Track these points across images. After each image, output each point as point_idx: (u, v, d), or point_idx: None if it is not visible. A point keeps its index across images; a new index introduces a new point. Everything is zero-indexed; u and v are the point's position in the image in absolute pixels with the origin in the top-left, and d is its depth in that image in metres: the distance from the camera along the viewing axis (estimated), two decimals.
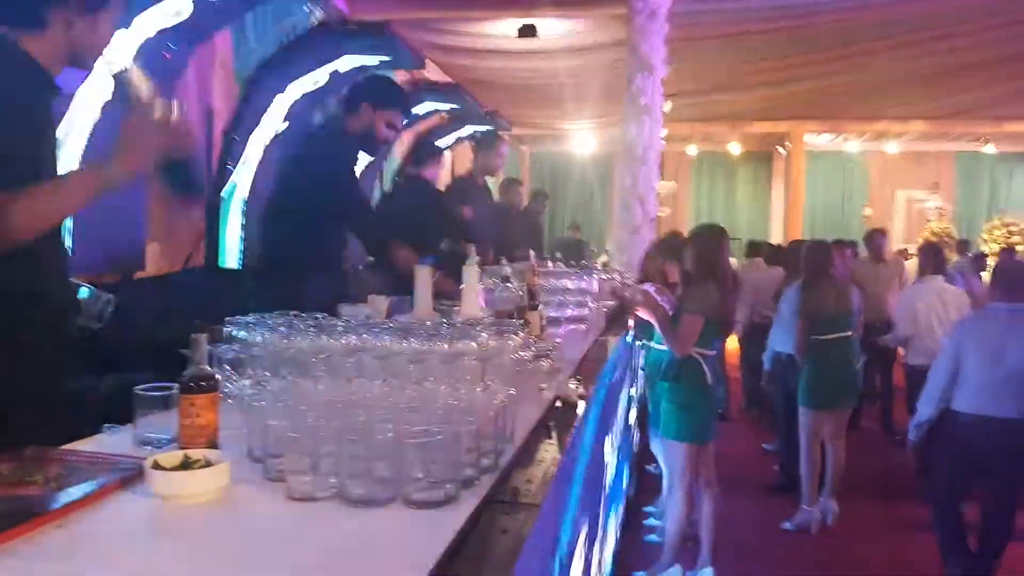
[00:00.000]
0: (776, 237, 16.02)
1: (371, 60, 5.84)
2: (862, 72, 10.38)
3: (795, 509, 4.97)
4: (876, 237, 7.77)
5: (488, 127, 8.26)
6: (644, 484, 5.25)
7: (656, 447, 4.63)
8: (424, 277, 2.29)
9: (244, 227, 5.64)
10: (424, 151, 5.10)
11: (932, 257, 5.91)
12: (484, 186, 5.79)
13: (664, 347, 4.13)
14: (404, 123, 3.70)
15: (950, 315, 5.53)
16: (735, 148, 16.24)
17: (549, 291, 3.67)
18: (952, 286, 5.84)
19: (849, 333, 4.93)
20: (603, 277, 4.65)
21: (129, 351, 3.50)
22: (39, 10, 1.69)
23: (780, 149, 16.94)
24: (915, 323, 5.69)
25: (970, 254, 11.19)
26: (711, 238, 4.12)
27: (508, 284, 2.67)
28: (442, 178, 10.42)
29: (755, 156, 18.10)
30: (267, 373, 1.65)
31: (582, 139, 15.73)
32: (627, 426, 4.62)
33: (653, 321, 4.05)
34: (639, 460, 5.38)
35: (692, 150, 16.63)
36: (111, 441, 1.56)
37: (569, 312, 3.53)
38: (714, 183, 18.72)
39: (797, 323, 4.88)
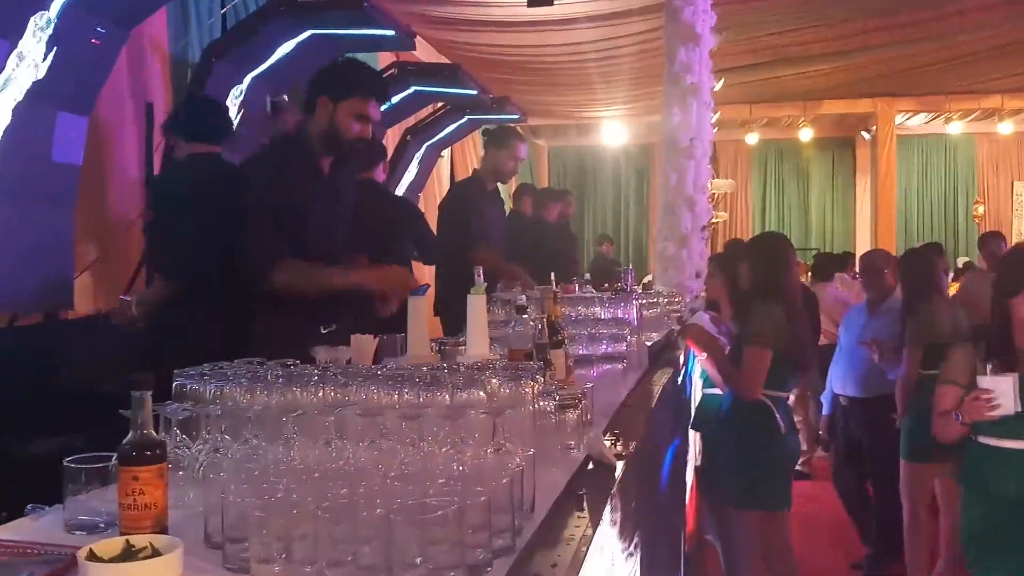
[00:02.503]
0: (864, 245, 15.98)
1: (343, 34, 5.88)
2: (963, 37, 10.37)
3: None
4: (991, 242, 7.77)
5: (499, 116, 8.32)
6: (704, 557, 5.22)
7: (712, 516, 4.61)
8: (418, 309, 2.31)
9: None
10: (371, 151, 5.14)
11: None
12: (494, 193, 5.81)
13: (717, 391, 4.13)
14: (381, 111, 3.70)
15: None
16: (806, 135, 16.29)
17: (577, 323, 3.68)
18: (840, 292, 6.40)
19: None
20: (645, 302, 4.66)
21: (57, 409, 3.54)
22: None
23: (864, 135, 16.97)
24: None
25: None
26: (772, 250, 4.13)
27: (524, 316, 2.68)
28: (435, 182, 10.55)
29: (832, 144, 18.14)
30: (227, 436, 1.66)
31: (613, 130, 15.85)
32: (680, 491, 4.60)
33: (706, 360, 4.05)
34: (697, 530, 5.36)
35: (752, 139, 16.71)
36: (36, 526, 1.58)
37: (603, 349, 3.54)
38: (782, 180, 18.75)
39: (907, 354, 4.84)
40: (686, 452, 5.07)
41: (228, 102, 5.66)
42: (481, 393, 1.76)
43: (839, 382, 5.42)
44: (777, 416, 3.89)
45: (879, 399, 5.10)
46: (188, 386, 1.78)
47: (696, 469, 5.46)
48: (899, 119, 15.53)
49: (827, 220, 18.51)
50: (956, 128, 16.46)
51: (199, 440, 1.68)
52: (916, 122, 16.53)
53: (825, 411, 5.69)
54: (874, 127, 15.61)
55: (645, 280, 9.06)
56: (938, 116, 16.00)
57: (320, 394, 1.74)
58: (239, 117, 5.73)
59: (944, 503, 5.00)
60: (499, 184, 5.91)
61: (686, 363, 4.64)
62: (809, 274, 9.14)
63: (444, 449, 1.56)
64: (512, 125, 7.91)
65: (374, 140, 5.59)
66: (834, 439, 5.69)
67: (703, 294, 5.42)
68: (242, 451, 1.57)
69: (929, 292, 4.89)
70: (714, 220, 14.69)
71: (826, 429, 5.74)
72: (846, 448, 5.48)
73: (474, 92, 7.67)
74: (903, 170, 17.27)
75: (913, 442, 4.87)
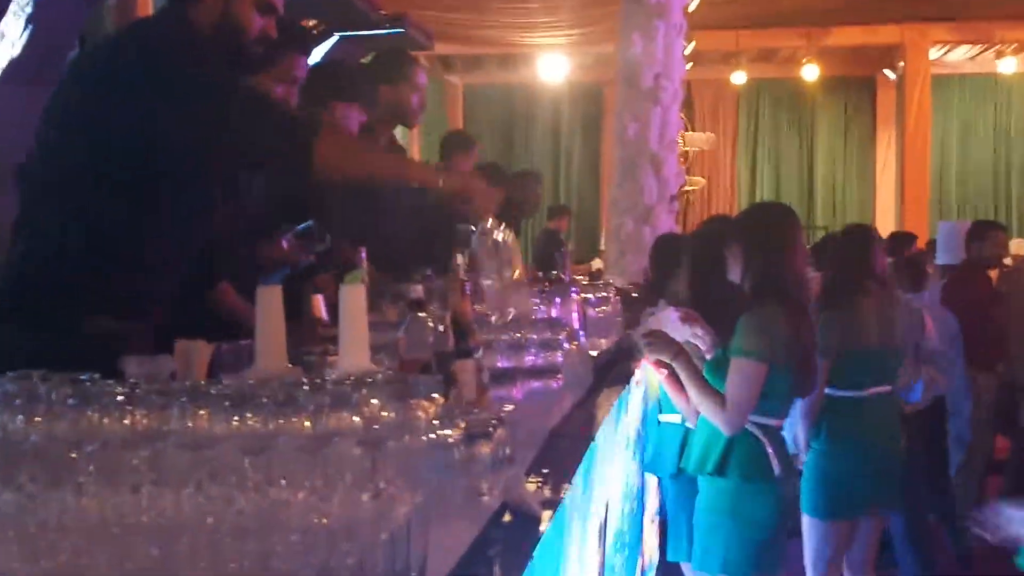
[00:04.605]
0: (886, 222, 16.31)
1: None
2: None
3: None
4: None
5: (382, 34, 8.25)
6: None
7: None
8: (270, 303, 2.29)
9: None
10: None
11: None
12: (389, 147, 5.75)
13: (677, 418, 4.18)
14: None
15: None
16: (811, 73, 16.55)
17: (495, 324, 3.68)
18: None
19: (890, 387, 5.10)
20: (592, 296, 4.69)
21: None
22: None
23: (888, 74, 17.29)
24: None
25: None
26: (771, 228, 4.18)
27: (421, 314, 2.67)
28: None
29: (846, 87, 18.47)
30: None
31: (552, 63, 15.89)
32: (635, 550, 4.65)
33: (669, 378, 4.08)
34: None
35: (739, 78, 16.91)
36: None
37: (530, 360, 3.54)
38: (779, 134, 19.01)
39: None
40: (645, 502, 5.11)
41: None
42: (355, 418, 1.74)
43: None
44: (770, 452, 3.94)
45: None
46: None
47: (659, 525, 5.51)
48: (934, 52, 15.82)
49: (838, 188, 18.83)
50: (1010, 66, 16.84)
51: None
52: (957, 56, 16.87)
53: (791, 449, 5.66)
54: (901, 63, 15.88)
55: (594, 266, 9.13)
56: (986, 49, 16.34)
57: (127, 420, 1.70)
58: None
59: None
60: (397, 128, 5.86)
61: (643, 379, 4.68)
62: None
63: (301, 494, 1.54)
64: (400, 47, 7.81)
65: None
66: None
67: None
68: (13, 500, 1.53)
69: (858, 282, 5.07)
70: (688, 188, 14.84)
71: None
72: None
73: None
74: (940, 122, 17.63)
75: (821, 490, 4.98)
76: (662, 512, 5.26)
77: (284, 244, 3.98)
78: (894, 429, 5.14)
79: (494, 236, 3.61)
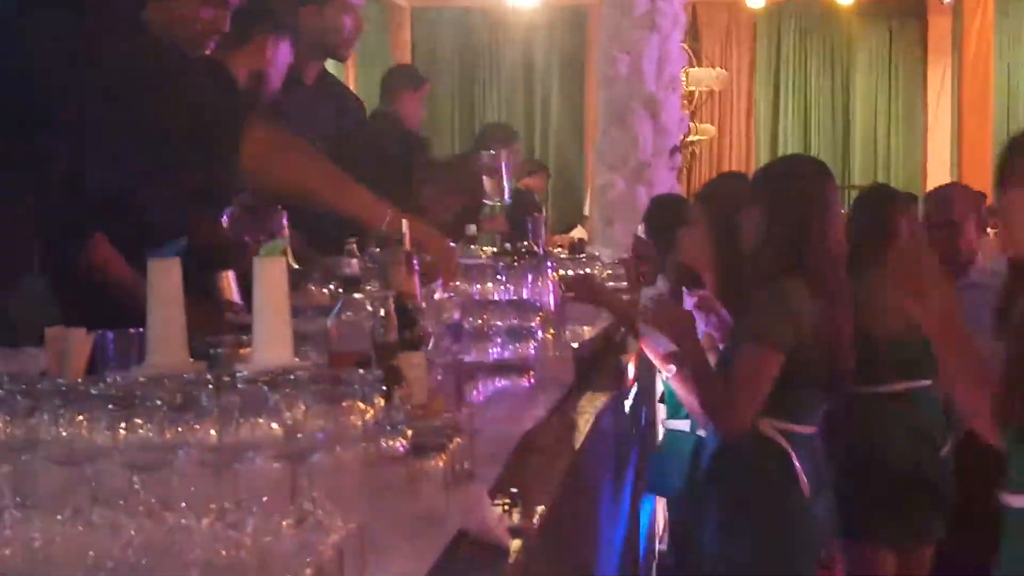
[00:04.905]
0: (939, 178, 16.38)
1: None
2: None
3: None
4: None
5: None
6: None
7: None
8: (166, 281, 2.29)
9: None
10: None
11: None
12: (321, 83, 5.76)
13: (686, 424, 4.20)
14: None
15: None
16: None
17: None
18: None
19: (928, 382, 5.11)
20: (571, 273, 4.71)
21: None
22: None
23: None
24: None
25: None
26: (798, 188, 4.20)
27: (358, 295, 2.68)
28: None
29: (890, 11, 18.51)
30: None
31: None
32: None
33: (677, 375, 4.11)
34: None
35: (758, 0, 16.92)
36: None
37: (495, 352, 3.55)
38: (807, 71, 19.03)
39: None
40: (643, 528, 5.14)
41: None
42: (273, 425, 1.74)
43: None
44: (796, 464, 3.96)
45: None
46: None
47: (659, 556, 5.56)
48: None
49: (880, 138, 18.81)
50: None
51: None
52: None
53: None
54: None
55: (575, 235, 9.16)
56: None
57: None
58: None
59: None
60: (328, 63, 5.87)
61: (640, 377, 4.70)
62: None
63: (205, 521, 1.55)
64: None
65: None
66: None
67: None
68: None
69: (877, 252, 5.10)
70: (693, 138, 14.86)
71: None
72: None
73: None
74: (1005, 54, 17.71)
75: (853, 508, 5.02)
76: (670, 535, 5.30)
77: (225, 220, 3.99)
78: (935, 433, 5.12)
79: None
